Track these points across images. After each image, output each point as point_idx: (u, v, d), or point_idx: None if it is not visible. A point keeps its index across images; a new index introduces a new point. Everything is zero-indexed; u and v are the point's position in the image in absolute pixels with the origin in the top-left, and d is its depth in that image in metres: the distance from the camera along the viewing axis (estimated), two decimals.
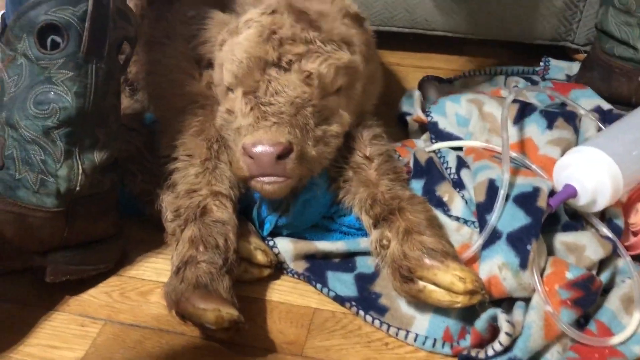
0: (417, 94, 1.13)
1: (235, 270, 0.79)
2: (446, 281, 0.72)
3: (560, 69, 1.25)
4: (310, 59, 0.81)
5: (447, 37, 1.40)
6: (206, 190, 0.84)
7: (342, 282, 0.84)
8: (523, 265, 0.74)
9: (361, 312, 0.80)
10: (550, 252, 0.80)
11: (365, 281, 0.84)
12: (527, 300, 0.76)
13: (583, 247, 0.79)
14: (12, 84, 0.76)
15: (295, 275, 0.87)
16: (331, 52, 0.82)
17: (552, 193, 0.83)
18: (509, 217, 0.78)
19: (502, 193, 0.80)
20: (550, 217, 0.82)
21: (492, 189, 0.82)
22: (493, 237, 0.78)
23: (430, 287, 0.73)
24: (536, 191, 0.80)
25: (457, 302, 0.72)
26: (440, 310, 0.77)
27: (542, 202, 0.78)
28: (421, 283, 0.74)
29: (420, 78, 1.24)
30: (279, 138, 0.76)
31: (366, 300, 0.81)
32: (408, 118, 1.12)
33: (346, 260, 0.88)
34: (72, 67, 0.76)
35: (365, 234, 0.87)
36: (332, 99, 0.85)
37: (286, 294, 0.85)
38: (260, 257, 0.84)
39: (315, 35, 0.81)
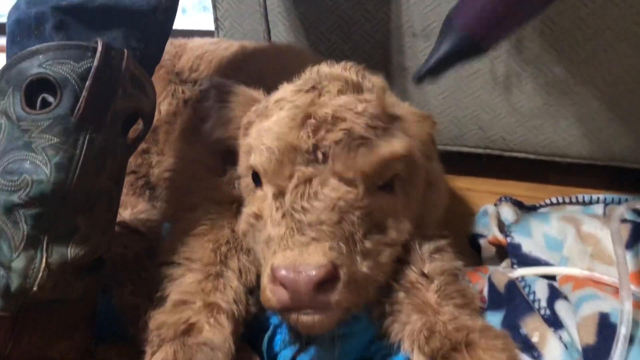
0: (492, 209, 0.95)
1: None
2: None
3: None
4: (352, 148, 0.66)
5: (528, 160, 1.24)
6: (200, 302, 0.67)
7: None
8: None
9: None
10: None
11: None
12: None
13: None
14: None
15: None
16: (380, 137, 0.68)
17: None
18: None
19: (623, 332, 0.57)
20: None
21: (605, 326, 0.60)
22: None
23: None
24: None
25: None
26: None
27: None
28: None
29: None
30: (320, 260, 0.60)
31: None
32: (482, 241, 0.93)
33: None
34: (58, 133, 0.66)
35: None
36: (384, 197, 0.69)
37: None
38: None
39: (362, 109, 0.68)
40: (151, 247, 0.87)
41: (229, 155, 0.86)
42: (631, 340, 0.58)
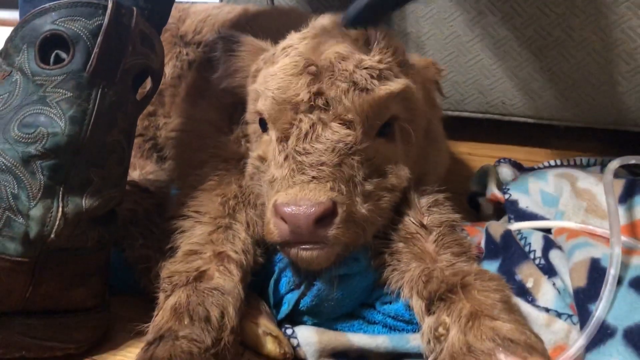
0: (492, 169, 0.97)
1: (229, 355, 0.62)
2: None
3: None
4: (352, 94, 0.69)
5: (527, 124, 1.26)
6: (210, 252, 0.70)
7: None
8: None
9: None
10: None
11: None
12: None
13: None
14: (1, 103, 0.69)
15: None
16: (381, 82, 0.70)
17: None
18: (625, 307, 0.58)
19: (612, 273, 0.61)
20: None
21: (596, 270, 0.63)
22: (603, 335, 0.58)
23: None
24: None
25: None
26: None
27: None
28: None
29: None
30: (319, 197, 0.63)
31: None
32: (481, 200, 0.96)
33: None
34: (72, 87, 0.68)
35: (418, 328, 0.68)
36: (384, 144, 0.72)
37: None
38: (270, 346, 0.67)
39: (363, 61, 0.70)
40: (160, 205, 0.91)
41: (235, 113, 0.89)
42: (620, 282, 0.61)
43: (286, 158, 0.68)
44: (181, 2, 1.24)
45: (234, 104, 0.89)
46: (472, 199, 0.99)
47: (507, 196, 0.89)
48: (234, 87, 0.85)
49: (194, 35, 1.13)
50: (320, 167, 0.66)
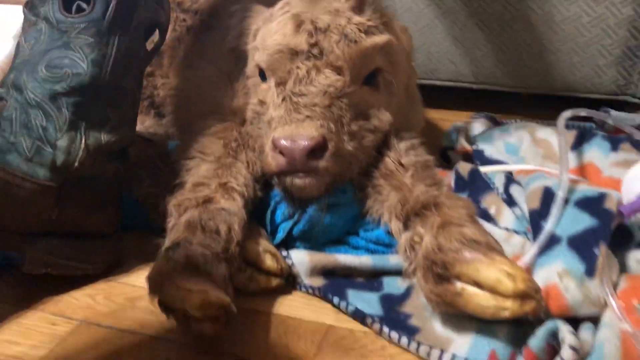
0: (461, 125, 1.08)
1: (235, 262, 0.71)
2: (491, 278, 0.61)
3: (622, 119, 1.18)
4: (343, 44, 0.78)
5: (497, 93, 1.37)
6: (215, 183, 0.79)
7: (365, 301, 0.74)
8: (589, 272, 0.64)
9: (385, 329, 0.69)
10: (623, 270, 0.69)
11: (393, 302, 0.74)
12: (595, 322, 0.63)
13: None
14: (28, 48, 0.77)
15: (310, 290, 0.77)
16: (367, 36, 0.80)
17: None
18: (569, 221, 0.69)
19: (560, 195, 0.71)
20: (621, 233, 0.71)
21: (548, 195, 0.74)
22: (551, 243, 0.68)
23: (471, 289, 0.63)
24: (603, 196, 0.71)
25: (504, 309, 0.61)
26: (485, 330, 0.65)
27: (610, 205, 0.69)
28: (459, 284, 0.63)
29: None
30: (312, 132, 0.73)
31: (393, 319, 0.70)
32: (450, 153, 1.06)
33: (371, 280, 0.79)
34: (93, 34, 0.76)
35: (396, 251, 0.77)
36: (369, 91, 0.82)
37: (297, 309, 0.75)
38: (269, 262, 0.76)
39: (353, 18, 0.80)
40: (162, 153, 0.99)
41: (233, 72, 0.98)
42: (566, 202, 0.71)
43: (284, 99, 0.77)
44: None
45: (232, 63, 0.98)
46: (443, 153, 1.09)
47: (474, 147, 0.99)
48: (241, 44, 0.93)
49: (191, 3, 1.20)
50: (313, 108, 0.75)
